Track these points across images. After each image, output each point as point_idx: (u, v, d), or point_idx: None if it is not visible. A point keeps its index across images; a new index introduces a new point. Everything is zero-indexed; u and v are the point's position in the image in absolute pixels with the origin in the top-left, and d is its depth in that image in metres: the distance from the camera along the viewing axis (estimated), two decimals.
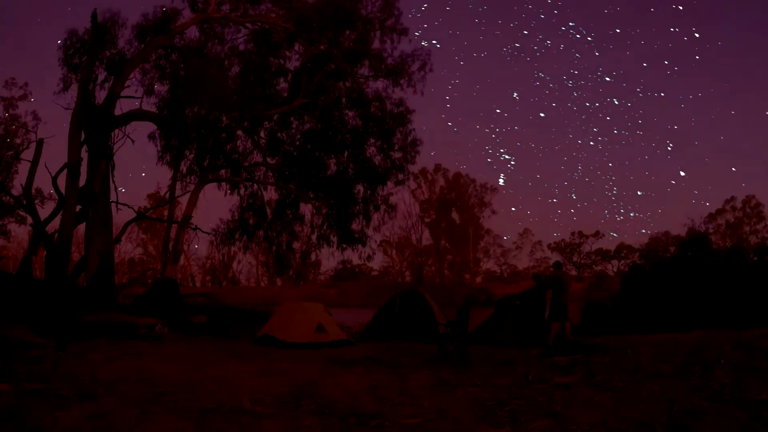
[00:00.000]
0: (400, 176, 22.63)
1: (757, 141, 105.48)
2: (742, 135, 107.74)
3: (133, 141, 21.37)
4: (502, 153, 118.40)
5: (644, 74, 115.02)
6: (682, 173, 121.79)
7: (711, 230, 70.06)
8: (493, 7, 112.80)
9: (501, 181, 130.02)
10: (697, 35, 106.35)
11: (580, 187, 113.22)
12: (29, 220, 24.91)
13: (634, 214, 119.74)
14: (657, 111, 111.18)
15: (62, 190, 19.24)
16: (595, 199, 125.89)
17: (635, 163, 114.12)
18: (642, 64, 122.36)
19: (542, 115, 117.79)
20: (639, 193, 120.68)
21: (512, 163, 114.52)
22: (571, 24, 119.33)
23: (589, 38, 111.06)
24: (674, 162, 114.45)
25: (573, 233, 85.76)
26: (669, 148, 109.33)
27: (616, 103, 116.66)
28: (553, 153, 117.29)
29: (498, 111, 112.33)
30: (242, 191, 23.39)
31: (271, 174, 23.39)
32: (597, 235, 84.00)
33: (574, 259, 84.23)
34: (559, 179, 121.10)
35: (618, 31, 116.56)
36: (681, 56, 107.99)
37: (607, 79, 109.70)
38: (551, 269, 21.07)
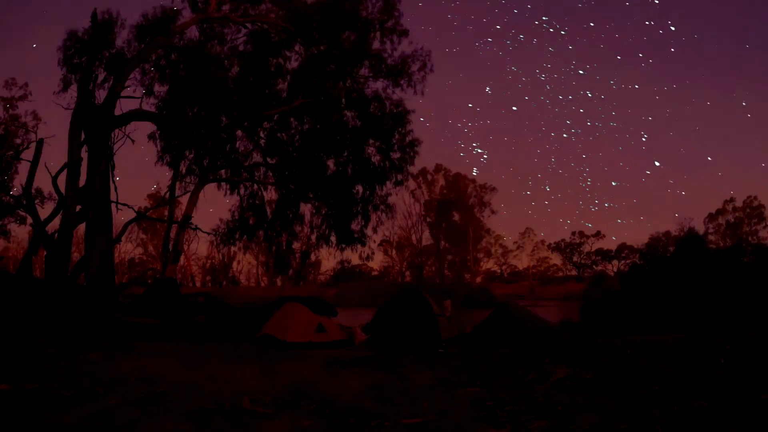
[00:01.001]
0: (399, 177, 22.67)
1: (732, 131, 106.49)
2: (718, 125, 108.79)
3: (133, 141, 21.41)
4: (475, 147, 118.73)
5: (618, 67, 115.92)
6: (657, 163, 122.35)
7: (711, 230, 70.26)
8: (465, 2, 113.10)
9: (473, 174, 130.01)
10: (672, 28, 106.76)
11: (554, 179, 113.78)
12: (29, 220, 24.92)
13: (609, 204, 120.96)
14: (631, 103, 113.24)
15: (62, 190, 19.26)
16: (569, 191, 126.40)
17: (609, 154, 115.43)
18: (616, 57, 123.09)
19: (515, 108, 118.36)
20: (613, 183, 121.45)
21: (485, 156, 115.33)
22: (544, 18, 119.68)
23: (563, 32, 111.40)
24: (649, 153, 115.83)
25: (573, 233, 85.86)
26: (643, 139, 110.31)
27: (590, 95, 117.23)
28: (526, 146, 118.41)
29: (470, 105, 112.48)
30: (242, 191, 23.42)
31: (270, 174, 23.41)
32: (598, 235, 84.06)
33: (575, 259, 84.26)
34: (532, 172, 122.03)
35: (592, 24, 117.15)
36: (656, 49, 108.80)
37: (581, 72, 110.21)
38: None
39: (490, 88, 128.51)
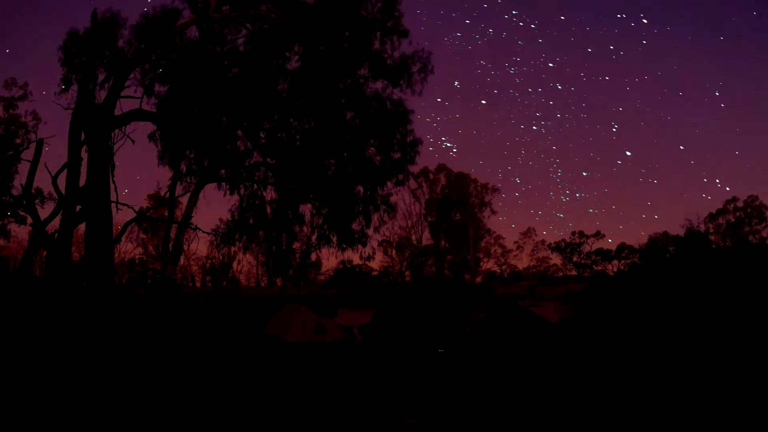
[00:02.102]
0: (400, 176, 22.64)
1: (705, 119, 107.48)
2: (690, 115, 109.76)
3: (133, 141, 21.37)
4: (444, 141, 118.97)
5: (589, 59, 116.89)
6: (628, 153, 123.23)
7: (711, 230, 70.26)
8: None
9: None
10: (644, 21, 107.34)
11: (524, 170, 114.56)
12: (29, 220, 24.93)
13: (580, 195, 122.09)
14: (601, 94, 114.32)
15: (62, 190, 19.25)
16: (539, 182, 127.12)
17: (580, 145, 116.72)
18: (587, 50, 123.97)
19: (484, 102, 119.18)
20: (585, 173, 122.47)
21: (454, 150, 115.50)
22: (514, 12, 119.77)
23: (533, 25, 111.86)
24: (620, 143, 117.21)
25: (574, 233, 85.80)
26: (614, 130, 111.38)
27: (560, 87, 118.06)
28: (495, 139, 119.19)
29: (438, 100, 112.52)
30: (242, 191, 23.40)
31: (270, 174, 23.39)
32: (598, 235, 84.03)
33: (575, 258, 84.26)
34: (502, 164, 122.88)
35: (563, 18, 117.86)
36: (627, 42, 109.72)
37: (551, 64, 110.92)
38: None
39: (459, 83, 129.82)
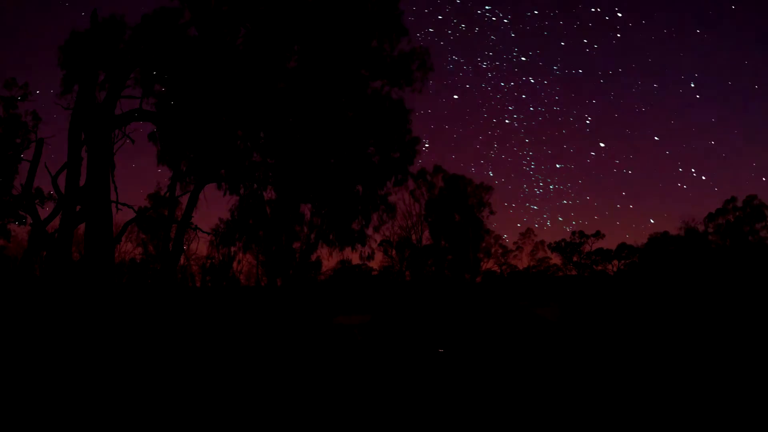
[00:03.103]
0: (399, 176, 22.64)
1: (679, 111, 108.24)
2: (666, 106, 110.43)
3: (132, 141, 21.39)
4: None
5: (562, 53, 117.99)
6: (602, 144, 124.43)
7: (711, 230, 70.21)
8: None
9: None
10: (619, 14, 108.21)
11: (497, 164, 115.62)
12: (29, 220, 24.93)
13: (554, 186, 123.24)
14: (575, 87, 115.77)
15: (62, 189, 19.26)
16: (512, 175, 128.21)
17: (553, 137, 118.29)
18: (560, 44, 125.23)
19: (456, 97, 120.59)
20: (558, 165, 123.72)
21: (426, 145, 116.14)
22: (487, 8, 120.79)
23: (506, 20, 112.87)
24: (593, 135, 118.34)
25: (574, 233, 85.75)
26: (588, 122, 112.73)
27: (532, 81, 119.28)
28: (468, 133, 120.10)
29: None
30: (242, 191, 23.39)
31: (270, 174, 23.38)
32: (598, 235, 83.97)
33: (575, 258, 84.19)
34: (474, 158, 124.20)
35: (536, 12, 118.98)
36: (601, 35, 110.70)
37: (523, 59, 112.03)
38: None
39: (431, 79, 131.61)
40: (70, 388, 7.97)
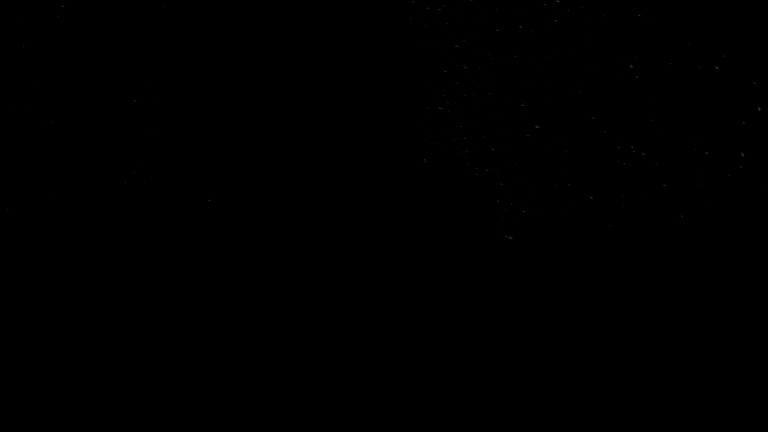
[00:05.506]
0: None
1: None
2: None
3: None
4: None
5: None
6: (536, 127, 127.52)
7: None
8: None
9: None
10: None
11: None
12: None
13: (489, 170, 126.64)
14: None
15: None
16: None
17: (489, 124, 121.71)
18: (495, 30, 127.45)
19: None
20: (492, 149, 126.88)
21: None
22: None
23: (439, 9, 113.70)
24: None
25: None
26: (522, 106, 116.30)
27: (466, 68, 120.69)
28: None
29: None
30: None
31: None
32: None
33: None
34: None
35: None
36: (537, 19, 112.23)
37: (456, 46, 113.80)
38: None
39: None
40: (70, 389, 7.91)
